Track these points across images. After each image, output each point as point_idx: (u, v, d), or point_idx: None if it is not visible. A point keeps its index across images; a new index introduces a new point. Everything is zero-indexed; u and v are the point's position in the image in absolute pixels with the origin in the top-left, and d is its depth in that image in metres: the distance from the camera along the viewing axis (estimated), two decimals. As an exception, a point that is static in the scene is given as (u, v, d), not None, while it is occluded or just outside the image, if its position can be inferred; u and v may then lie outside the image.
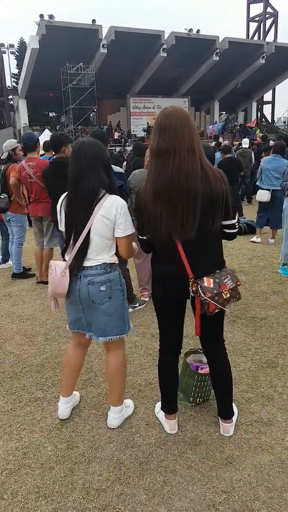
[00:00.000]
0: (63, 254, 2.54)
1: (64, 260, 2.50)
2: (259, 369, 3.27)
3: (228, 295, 2.21)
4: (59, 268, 2.43)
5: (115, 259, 2.49)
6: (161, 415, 2.66)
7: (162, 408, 2.63)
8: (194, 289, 2.16)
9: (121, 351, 2.66)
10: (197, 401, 2.83)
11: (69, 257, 2.42)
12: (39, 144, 5.67)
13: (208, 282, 2.15)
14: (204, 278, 2.16)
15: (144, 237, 2.32)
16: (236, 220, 2.28)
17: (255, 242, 7.37)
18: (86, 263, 2.41)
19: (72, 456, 2.42)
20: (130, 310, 4.46)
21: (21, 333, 4.11)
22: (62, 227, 2.49)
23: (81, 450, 2.46)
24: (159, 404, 2.76)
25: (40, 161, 5.44)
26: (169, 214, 2.08)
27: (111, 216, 2.32)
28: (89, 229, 2.33)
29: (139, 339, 3.87)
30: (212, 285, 2.15)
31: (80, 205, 2.34)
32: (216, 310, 2.18)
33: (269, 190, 6.98)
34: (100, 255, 2.41)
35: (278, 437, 2.52)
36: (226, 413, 2.55)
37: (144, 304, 4.62)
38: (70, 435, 2.60)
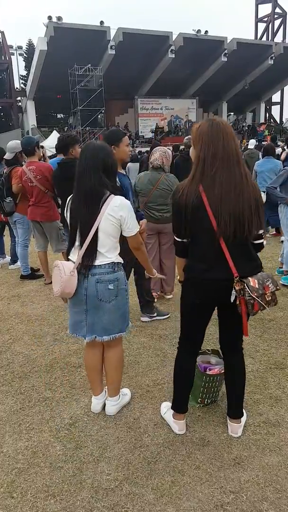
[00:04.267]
0: (68, 254, 2.58)
1: (68, 259, 2.54)
2: (267, 370, 3.27)
3: (270, 298, 2.20)
4: (67, 268, 2.45)
5: (120, 259, 2.56)
6: (168, 415, 2.66)
7: (172, 407, 2.61)
8: (238, 288, 2.14)
9: (121, 347, 2.81)
10: (205, 402, 2.84)
11: (76, 256, 2.46)
12: (38, 147, 5.60)
13: (253, 282, 2.16)
14: (249, 278, 2.17)
15: (184, 240, 2.30)
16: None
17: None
18: (95, 262, 2.46)
19: (81, 456, 2.44)
20: (147, 319, 4.32)
21: (30, 334, 4.14)
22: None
23: (89, 450, 2.48)
24: (164, 405, 2.77)
25: (40, 164, 5.39)
26: (230, 217, 2.10)
27: (118, 215, 2.41)
28: (97, 228, 2.39)
29: (147, 340, 3.88)
30: (257, 286, 2.15)
31: (84, 204, 2.41)
32: (260, 310, 2.19)
33: (264, 191, 7.03)
34: (108, 253, 2.48)
35: (286, 438, 2.52)
36: (236, 413, 2.56)
37: (169, 315, 4.42)
38: (78, 435, 2.61)
